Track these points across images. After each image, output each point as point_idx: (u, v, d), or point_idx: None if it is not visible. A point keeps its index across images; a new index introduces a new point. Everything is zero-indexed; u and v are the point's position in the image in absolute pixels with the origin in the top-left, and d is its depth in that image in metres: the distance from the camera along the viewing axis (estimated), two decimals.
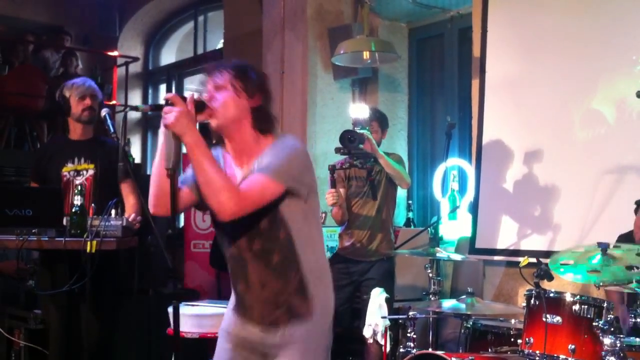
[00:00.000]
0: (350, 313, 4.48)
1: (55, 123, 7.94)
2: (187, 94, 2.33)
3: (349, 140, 4.18)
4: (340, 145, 4.22)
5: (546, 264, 3.22)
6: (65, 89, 4.01)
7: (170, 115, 2.22)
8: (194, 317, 4.27)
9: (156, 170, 2.34)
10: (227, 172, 2.40)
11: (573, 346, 2.99)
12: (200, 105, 2.32)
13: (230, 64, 2.44)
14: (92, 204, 3.72)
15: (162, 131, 2.28)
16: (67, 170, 3.95)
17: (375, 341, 4.02)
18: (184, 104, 2.25)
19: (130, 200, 3.94)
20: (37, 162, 4.13)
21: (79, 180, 3.91)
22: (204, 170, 2.23)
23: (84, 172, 3.95)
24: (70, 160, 3.96)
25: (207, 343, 4.65)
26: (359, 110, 4.52)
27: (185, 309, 4.38)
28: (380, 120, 4.59)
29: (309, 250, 2.40)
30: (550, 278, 3.16)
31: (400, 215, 5.47)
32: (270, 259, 2.36)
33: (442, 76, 5.83)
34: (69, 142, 4.06)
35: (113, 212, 3.58)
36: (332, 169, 4.35)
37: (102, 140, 4.05)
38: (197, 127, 2.30)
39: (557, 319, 3.05)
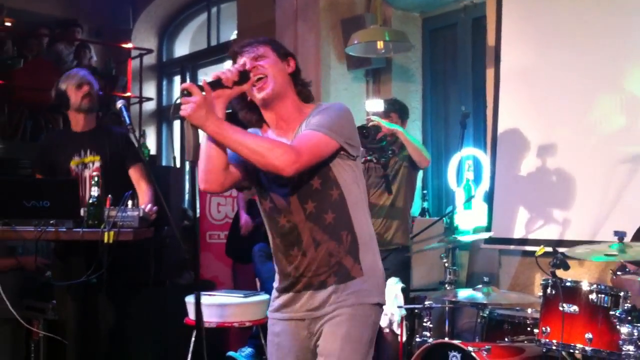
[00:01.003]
0: None
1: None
2: (204, 78, 2.29)
3: (364, 136, 4.17)
4: None
5: (562, 253, 3.21)
6: (61, 82, 3.98)
7: (187, 106, 2.20)
8: (211, 306, 4.30)
9: (205, 146, 2.34)
10: None
11: (590, 335, 2.99)
12: (244, 76, 2.30)
13: (260, 38, 2.44)
14: (109, 195, 3.73)
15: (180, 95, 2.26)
16: (75, 163, 3.94)
17: (392, 331, 4.03)
18: (199, 93, 2.21)
19: (142, 186, 3.91)
20: (41, 154, 4.11)
21: (87, 173, 3.92)
22: (242, 143, 2.22)
23: (91, 164, 3.93)
24: (77, 153, 3.94)
25: (224, 332, 4.69)
26: (375, 104, 4.49)
27: (203, 299, 4.40)
28: (399, 111, 4.57)
29: (359, 212, 2.41)
30: (567, 267, 3.16)
31: (415, 205, 5.46)
32: (323, 218, 2.36)
33: (456, 66, 5.80)
34: (73, 135, 4.02)
35: (130, 203, 3.59)
36: None
37: (107, 128, 4.03)
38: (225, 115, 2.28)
39: (574, 308, 3.05)
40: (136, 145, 3.83)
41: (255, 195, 2.53)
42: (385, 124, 4.24)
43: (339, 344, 2.31)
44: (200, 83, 2.26)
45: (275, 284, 2.51)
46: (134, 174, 3.95)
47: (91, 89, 3.97)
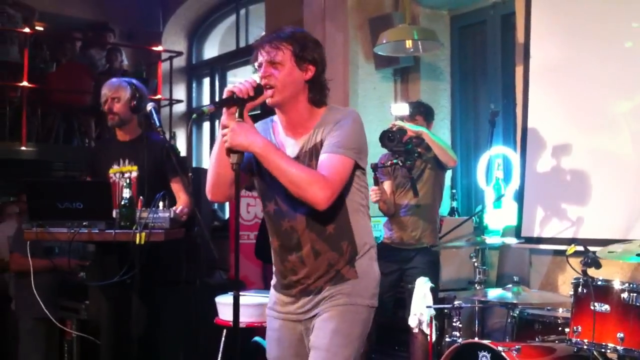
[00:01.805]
0: (394, 302, 4.48)
1: (102, 119, 8.10)
2: (231, 87, 2.31)
3: (389, 139, 4.19)
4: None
5: (594, 252, 3.18)
6: (141, 89, 4.01)
7: (227, 138, 2.27)
8: (241, 306, 4.31)
9: (214, 159, 2.40)
10: (276, 142, 2.45)
11: (622, 334, 2.95)
12: (259, 90, 2.33)
13: (285, 34, 2.40)
14: (141, 197, 3.78)
15: (220, 131, 2.32)
16: (114, 172, 4.00)
17: (421, 331, 4.02)
18: (233, 122, 2.27)
19: (181, 197, 3.95)
20: (90, 160, 4.23)
21: (124, 182, 3.95)
22: (284, 172, 2.28)
23: (128, 173, 3.97)
24: (116, 162, 4.01)
25: (253, 332, 4.71)
26: (400, 108, 4.48)
27: (232, 299, 4.44)
28: (424, 113, 4.56)
29: (360, 219, 2.46)
30: (598, 266, 3.13)
31: (444, 205, 5.44)
32: (324, 229, 2.40)
33: (485, 63, 5.77)
34: (115, 143, 4.09)
35: (161, 204, 3.64)
36: (375, 167, 4.34)
37: (148, 138, 3.98)
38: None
39: (605, 307, 3.02)
40: (174, 157, 3.85)
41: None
42: (409, 126, 4.25)
43: (328, 337, 2.37)
44: (224, 96, 2.30)
45: (273, 282, 2.58)
46: (174, 185, 3.99)
47: (116, 104, 3.93)
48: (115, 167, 4.01)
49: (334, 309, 2.39)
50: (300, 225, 2.41)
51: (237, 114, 2.30)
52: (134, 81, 4.09)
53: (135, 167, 3.97)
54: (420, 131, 4.26)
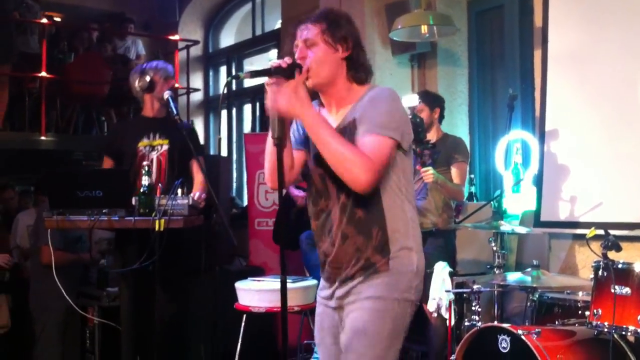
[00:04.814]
0: None
1: (121, 110, 8.17)
2: (276, 62, 2.25)
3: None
4: None
5: (614, 235, 3.16)
6: (150, 69, 4.15)
7: (281, 99, 2.20)
8: (260, 292, 4.36)
9: (269, 145, 2.36)
10: None
11: None
12: (294, 67, 2.28)
13: (318, 13, 2.39)
14: (160, 184, 3.82)
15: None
16: (143, 145, 4.09)
17: (440, 315, 4.03)
18: (289, 84, 2.22)
19: (199, 177, 4.06)
20: (111, 138, 4.32)
21: (154, 155, 4.04)
22: (330, 147, 2.21)
23: (159, 147, 4.08)
24: (146, 135, 4.10)
25: (273, 317, 4.74)
26: (409, 100, 4.48)
27: (252, 284, 4.48)
28: (428, 101, 4.58)
29: (397, 206, 2.35)
30: (619, 249, 3.11)
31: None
32: (354, 212, 2.33)
33: (503, 48, 5.72)
34: (144, 119, 4.21)
35: (179, 191, 3.66)
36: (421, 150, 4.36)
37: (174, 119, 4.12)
38: None
39: (626, 290, 3.00)
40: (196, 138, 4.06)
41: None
42: (432, 176, 4.21)
43: (354, 338, 2.32)
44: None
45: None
46: (195, 164, 4.07)
47: (131, 90, 4.18)
48: (145, 141, 4.10)
49: (361, 307, 2.32)
50: (333, 207, 2.36)
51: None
52: (147, 64, 4.25)
53: (166, 141, 4.08)
54: (438, 181, 4.27)
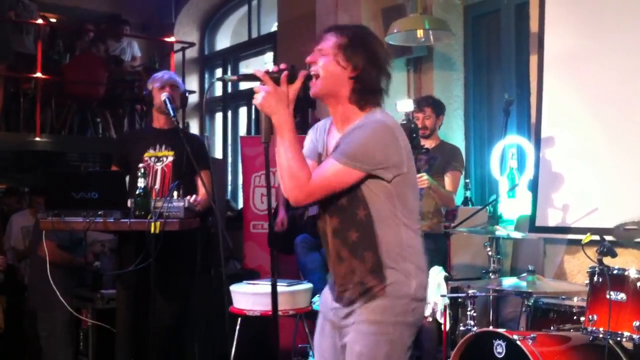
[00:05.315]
0: None
1: (116, 111, 8.16)
2: (280, 66, 2.29)
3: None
4: None
5: (609, 241, 3.17)
6: (149, 82, 4.19)
7: (258, 95, 2.24)
8: (255, 295, 4.35)
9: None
10: (324, 139, 2.43)
11: (638, 323, 2.94)
12: (292, 76, 2.27)
13: (341, 26, 2.40)
14: (156, 187, 3.81)
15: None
16: (149, 155, 4.08)
17: (435, 320, 4.03)
18: (272, 83, 2.24)
19: (201, 191, 4.01)
20: (119, 147, 4.30)
21: (159, 166, 4.04)
22: (280, 154, 2.24)
23: (164, 158, 4.08)
24: (152, 146, 4.10)
25: (268, 320, 4.72)
26: (405, 105, 4.47)
27: (247, 288, 4.47)
28: (433, 105, 4.59)
29: (390, 232, 2.33)
30: (614, 255, 3.11)
31: (458, 194, 5.43)
32: (347, 236, 2.34)
33: (499, 53, 5.74)
34: (152, 130, 4.23)
35: (175, 193, 3.66)
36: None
37: (184, 131, 4.18)
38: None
39: (622, 295, 3.01)
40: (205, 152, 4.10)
41: None
42: (428, 183, 4.31)
43: None
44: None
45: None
46: (202, 176, 4.00)
47: (174, 91, 4.10)
48: (151, 152, 4.10)
49: (358, 330, 2.32)
50: (328, 229, 2.39)
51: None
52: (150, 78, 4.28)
53: (171, 152, 4.07)
54: (432, 188, 4.37)
